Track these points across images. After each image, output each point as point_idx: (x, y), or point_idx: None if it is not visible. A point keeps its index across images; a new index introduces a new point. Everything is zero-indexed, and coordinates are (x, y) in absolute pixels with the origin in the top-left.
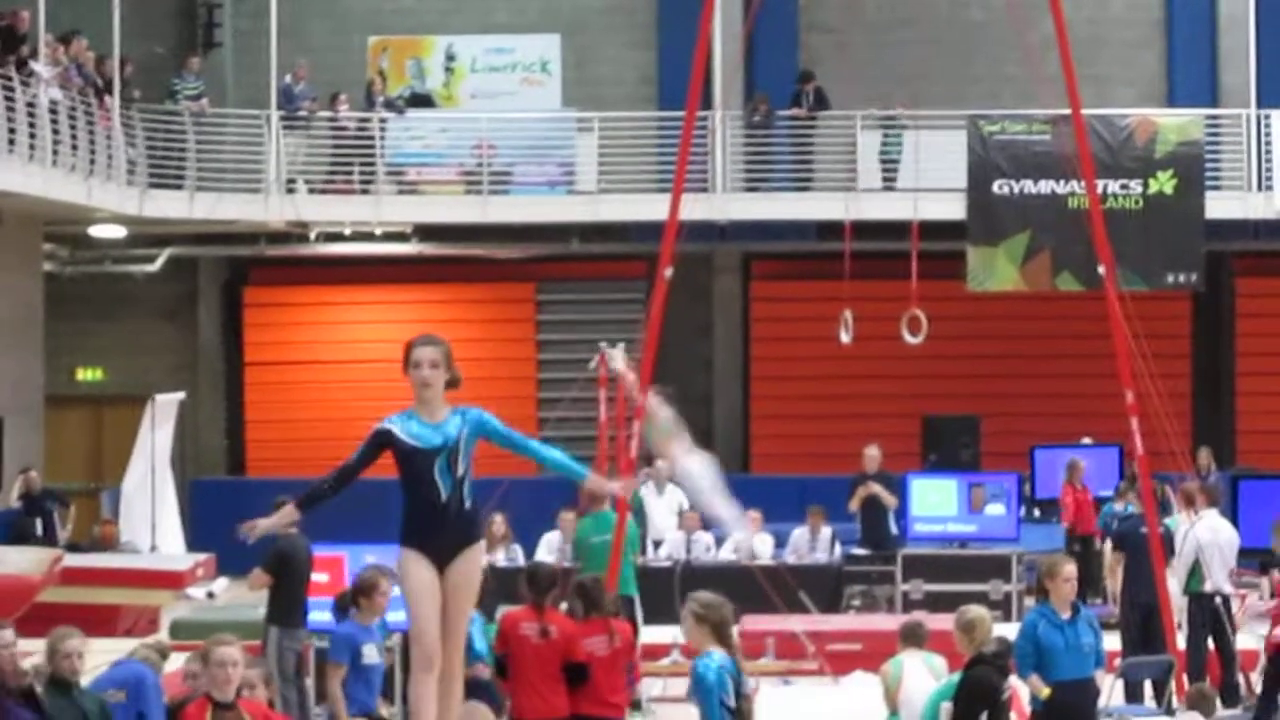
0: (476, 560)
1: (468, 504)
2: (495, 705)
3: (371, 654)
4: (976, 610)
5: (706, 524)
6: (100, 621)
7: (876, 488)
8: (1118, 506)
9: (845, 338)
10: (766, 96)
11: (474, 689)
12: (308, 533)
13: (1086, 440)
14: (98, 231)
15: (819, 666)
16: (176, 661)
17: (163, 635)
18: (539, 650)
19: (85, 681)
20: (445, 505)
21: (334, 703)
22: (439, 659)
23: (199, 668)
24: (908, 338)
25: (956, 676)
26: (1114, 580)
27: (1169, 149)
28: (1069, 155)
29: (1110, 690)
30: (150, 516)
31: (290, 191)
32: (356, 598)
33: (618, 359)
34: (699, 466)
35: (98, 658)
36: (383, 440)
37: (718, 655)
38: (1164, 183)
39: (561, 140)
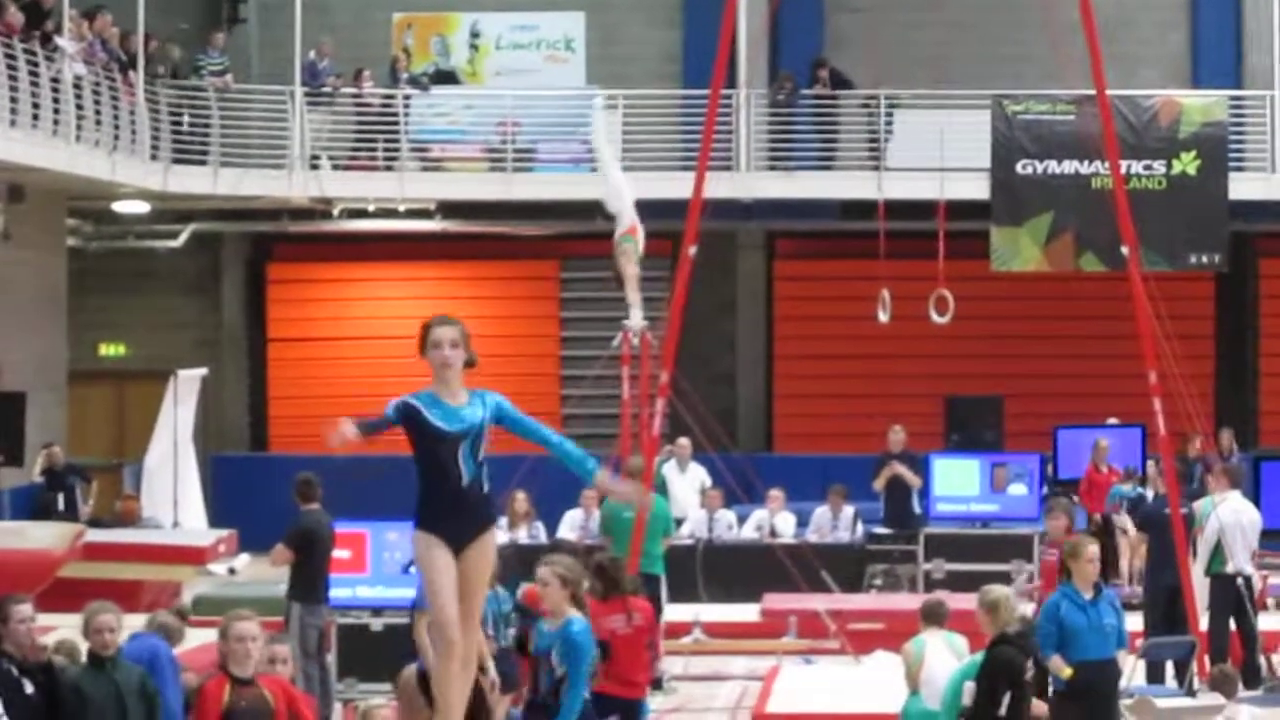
0: (492, 542)
1: (485, 487)
2: (511, 680)
3: None
4: (999, 590)
5: (728, 502)
6: (122, 597)
7: (900, 468)
8: (1125, 488)
9: (883, 317)
10: (791, 75)
11: (496, 660)
12: (330, 509)
13: (1112, 420)
14: (122, 207)
15: (841, 645)
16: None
17: (184, 599)
18: (629, 640)
19: None
20: (467, 489)
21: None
22: (461, 644)
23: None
24: (934, 317)
25: (979, 656)
26: (1136, 561)
27: (1193, 130)
28: (1093, 135)
29: (1132, 670)
30: (172, 492)
31: (314, 168)
32: None
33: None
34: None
35: (119, 634)
36: (407, 413)
37: (579, 619)
38: (1188, 163)
39: (585, 118)
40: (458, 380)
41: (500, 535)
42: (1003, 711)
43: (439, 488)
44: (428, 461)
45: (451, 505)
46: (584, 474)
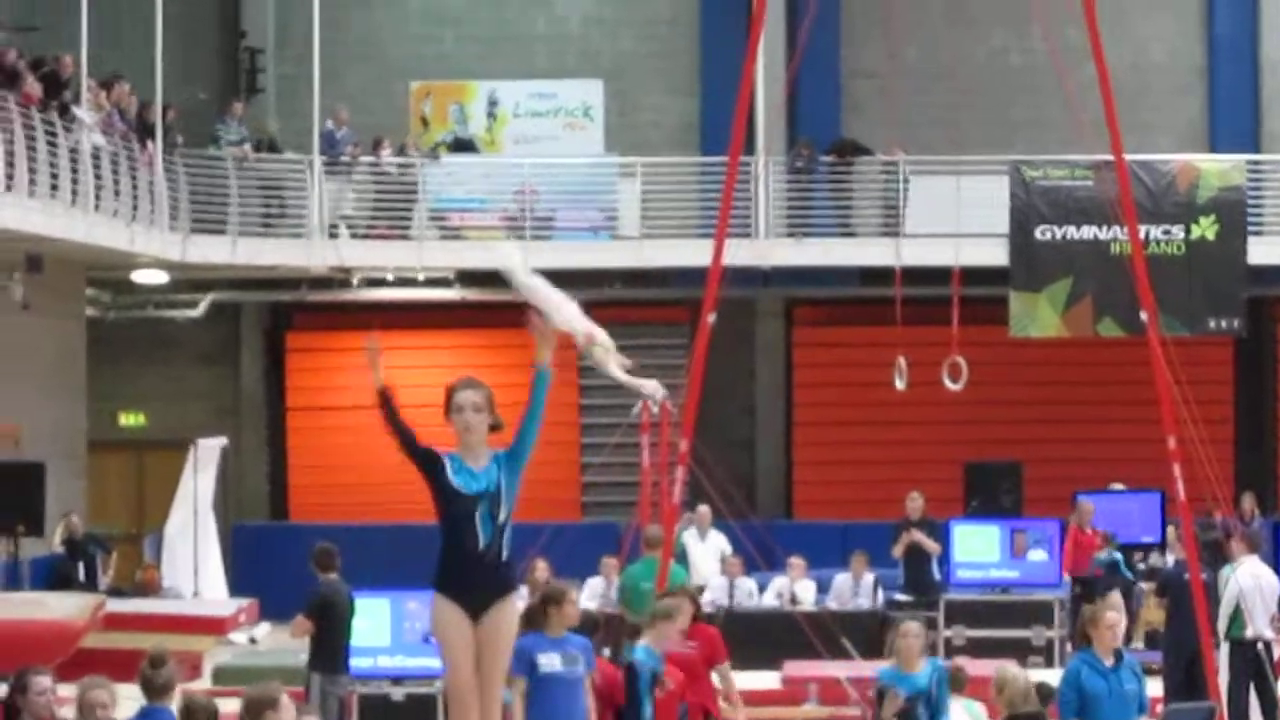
0: (512, 611)
1: (504, 554)
2: None
3: (552, 663)
4: (1010, 671)
5: (748, 569)
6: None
7: (919, 535)
8: (1101, 555)
9: (900, 384)
10: (810, 142)
11: None
12: (350, 580)
13: (1118, 486)
14: (140, 276)
15: (862, 713)
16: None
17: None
18: (692, 661)
19: None
20: (482, 554)
21: (511, 715)
22: (476, 711)
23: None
24: (948, 384)
25: None
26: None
27: (1211, 194)
28: (1111, 201)
29: None
30: (192, 561)
31: (333, 236)
32: (546, 606)
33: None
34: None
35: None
36: (432, 459)
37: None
38: (1206, 228)
39: (604, 186)
40: (481, 444)
41: (520, 604)
42: None
43: (456, 552)
44: (445, 523)
45: (468, 570)
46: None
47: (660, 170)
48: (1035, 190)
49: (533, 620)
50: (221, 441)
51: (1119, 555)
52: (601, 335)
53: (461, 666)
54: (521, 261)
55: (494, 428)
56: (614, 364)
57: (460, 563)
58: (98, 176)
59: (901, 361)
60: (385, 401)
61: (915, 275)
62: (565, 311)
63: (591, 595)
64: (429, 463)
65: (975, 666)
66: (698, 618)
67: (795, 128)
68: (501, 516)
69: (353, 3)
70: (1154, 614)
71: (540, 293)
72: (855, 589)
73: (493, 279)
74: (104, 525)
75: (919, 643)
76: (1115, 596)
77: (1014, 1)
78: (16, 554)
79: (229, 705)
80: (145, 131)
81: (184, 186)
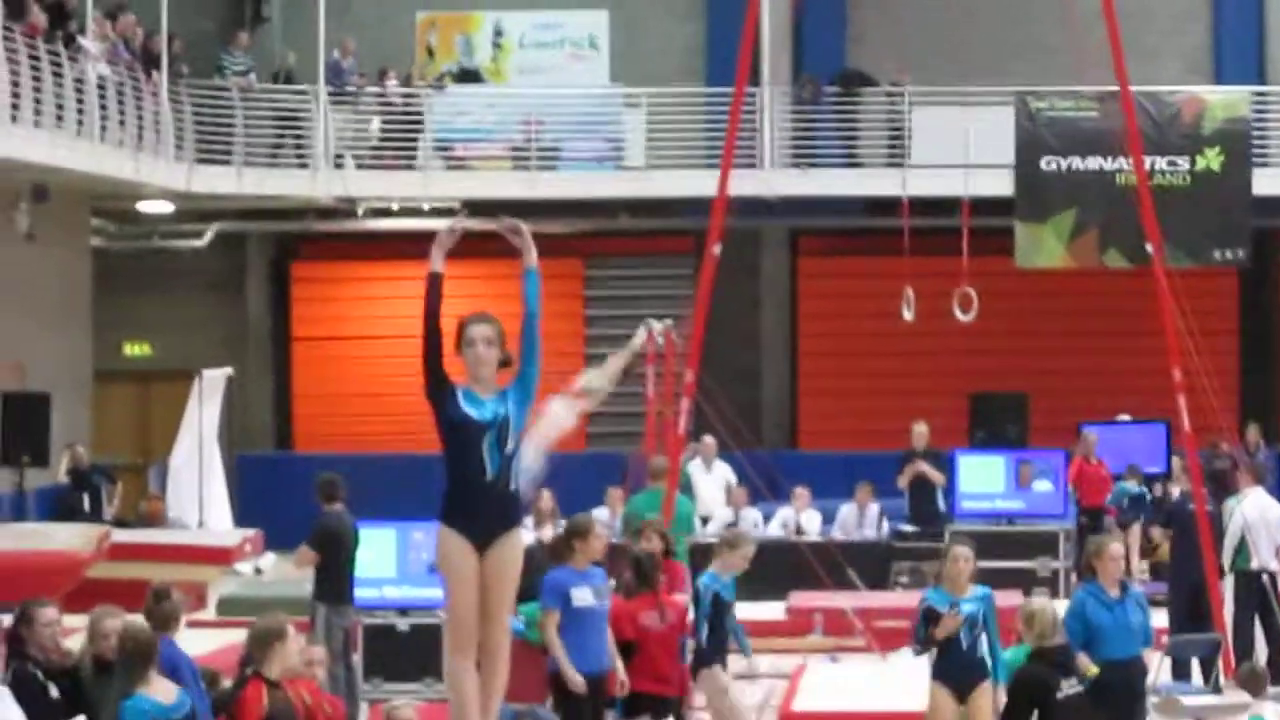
0: (518, 544)
1: (512, 485)
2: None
3: (585, 597)
4: (1038, 602)
5: (753, 500)
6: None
7: (924, 465)
8: (1129, 484)
9: (908, 315)
10: (814, 77)
11: None
12: (355, 510)
13: (1124, 417)
14: (146, 207)
15: (866, 643)
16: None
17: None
18: (659, 637)
19: None
20: (490, 484)
21: (553, 649)
22: (474, 644)
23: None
24: (959, 315)
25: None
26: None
27: (1216, 125)
28: (1117, 132)
29: (1158, 668)
30: (198, 492)
31: (338, 167)
32: (570, 540)
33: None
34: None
35: None
36: (445, 379)
37: None
38: (1211, 159)
39: (609, 116)
40: (491, 378)
41: (526, 534)
42: None
43: (462, 481)
44: (452, 452)
45: (475, 501)
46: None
47: (665, 100)
48: (1041, 121)
49: (558, 554)
50: (227, 372)
51: (1143, 489)
52: (580, 385)
53: (467, 602)
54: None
55: (504, 363)
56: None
57: (467, 493)
58: (103, 107)
59: (909, 292)
60: (434, 285)
61: (920, 206)
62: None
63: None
64: (441, 383)
65: None
66: (667, 554)
67: (800, 57)
68: (509, 447)
69: None
70: (1159, 546)
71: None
72: (860, 519)
73: (498, 208)
74: (109, 456)
75: (968, 567)
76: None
77: None
78: (22, 484)
79: (235, 635)
80: (150, 62)
81: (189, 117)
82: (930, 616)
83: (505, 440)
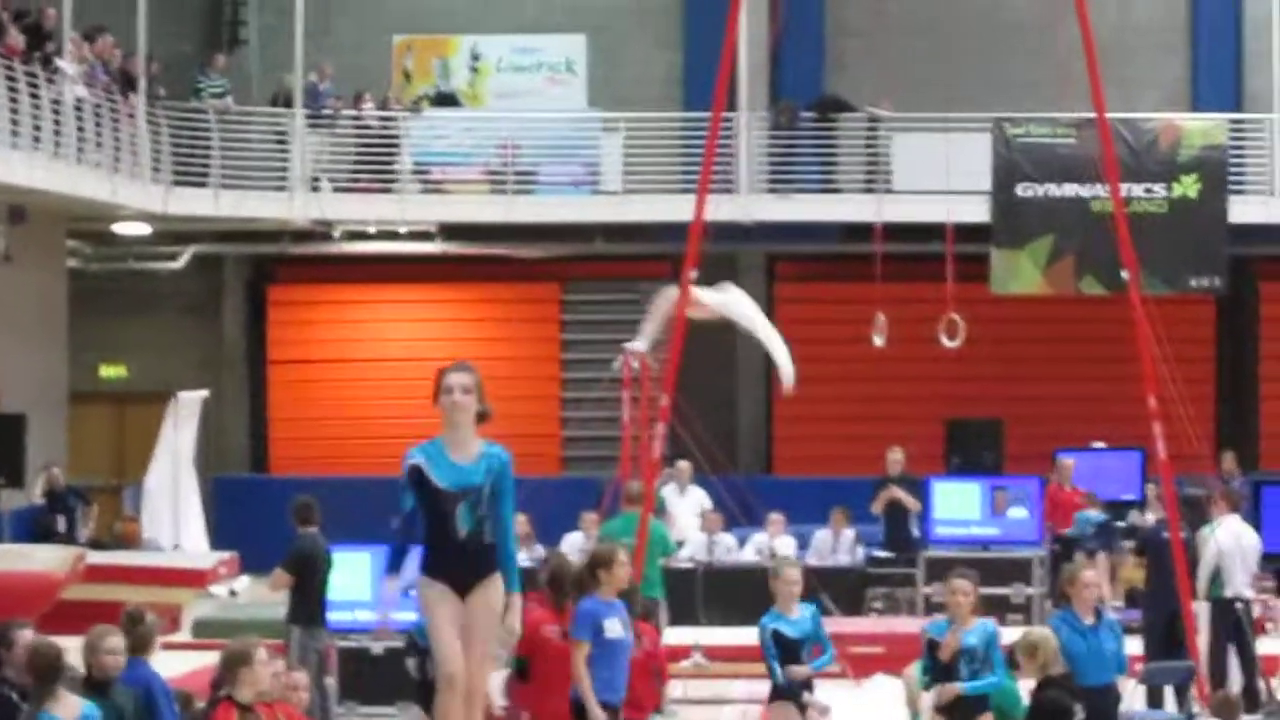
0: (496, 587)
1: (487, 539)
2: None
3: (615, 628)
4: (1040, 631)
5: (728, 525)
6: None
7: (899, 491)
8: (1091, 512)
9: (879, 341)
10: (790, 103)
11: None
12: (330, 533)
13: (1099, 444)
14: (122, 229)
15: (841, 669)
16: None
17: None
18: (562, 651)
19: None
20: (464, 543)
21: (580, 681)
22: (461, 680)
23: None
24: (945, 341)
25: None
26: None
27: (1193, 153)
28: (1094, 158)
29: (1132, 695)
30: (173, 514)
31: (315, 190)
32: (595, 570)
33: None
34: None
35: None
36: (416, 477)
37: None
38: (1188, 186)
39: (587, 140)
40: (469, 428)
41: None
42: None
43: (439, 539)
44: (429, 512)
45: (450, 557)
46: (508, 582)
47: (643, 125)
48: (1018, 147)
49: (583, 584)
50: (202, 394)
51: (1105, 515)
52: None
53: (450, 642)
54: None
55: (482, 415)
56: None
57: (443, 550)
58: (80, 128)
59: (881, 318)
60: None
61: (898, 231)
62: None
63: (571, 550)
64: (414, 485)
65: None
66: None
67: (779, 83)
68: (483, 510)
69: None
70: (1133, 573)
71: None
72: (835, 545)
73: (475, 232)
74: (84, 477)
75: (968, 600)
76: (1101, 559)
77: None
78: None
79: (209, 657)
80: (128, 83)
81: (166, 139)
82: (933, 648)
83: (479, 505)
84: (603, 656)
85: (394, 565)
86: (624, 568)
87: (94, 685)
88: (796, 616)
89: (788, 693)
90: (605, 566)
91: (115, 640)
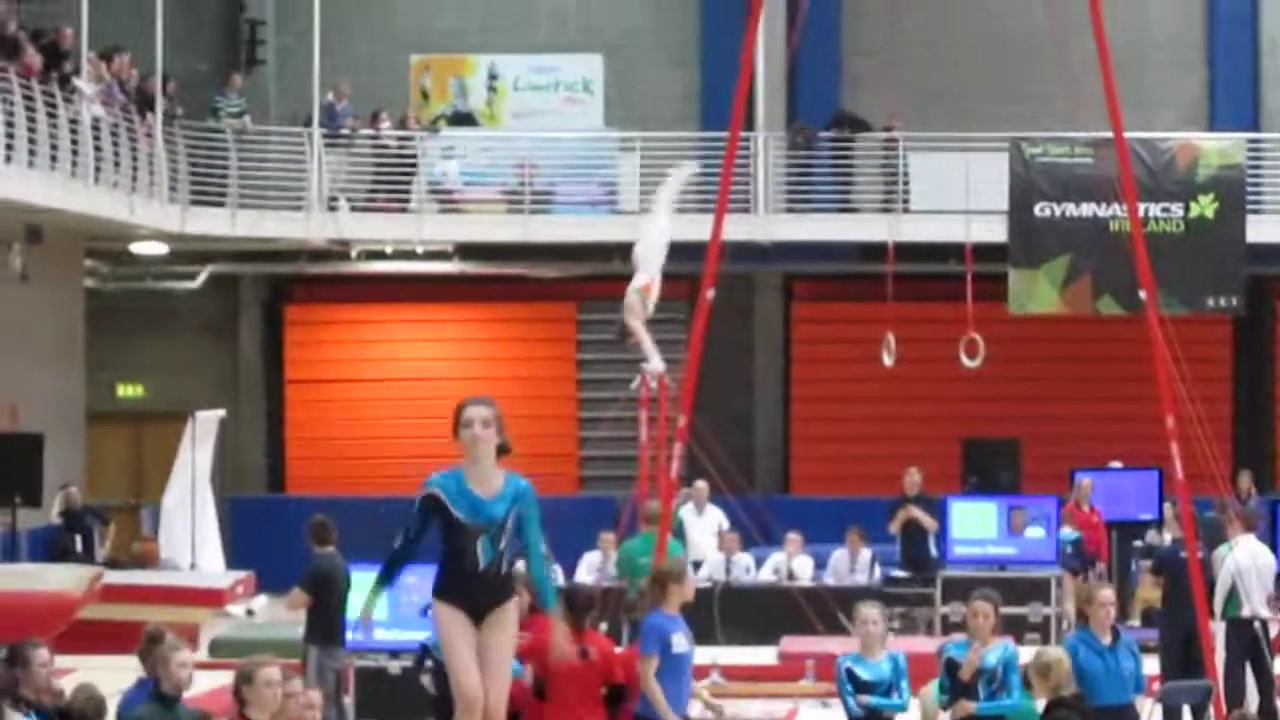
0: (511, 615)
1: (504, 570)
2: None
3: (681, 643)
4: (1054, 652)
5: (745, 544)
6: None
7: (916, 511)
8: (1067, 531)
9: (888, 360)
10: (805, 125)
11: None
12: (347, 553)
13: (1116, 464)
14: (139, 248)
15: None
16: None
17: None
18: (578, 672)
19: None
20: (483, 573)
21: (652, 694)
22: (480, 704)
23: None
24: (965, 361)
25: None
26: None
27: (1211, 172)
28: (1111, 178)
29: (1150, 715)
30: (190, 534)
31: (332, 209)
32: (666, 585)
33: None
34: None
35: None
36: (431, 505)
37: None
38: (1205, 206)
39: (603, 160)
40: (489, 461)
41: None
42: None
43: (456, 568)
44: (447, 541)
45: (467, 585)
46: (544, 601)
47: (660, 145)
48: (1035, 167)
49: (652, 599)
50: (219, 414)
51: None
52: (655, 294)
53: (467, 666)
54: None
55: (502, 449)
56: (640, 319)
57: (459, 579)
58: (97, 148)
59: (890, 338)
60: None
61: (915, 251)
62: (655, 256)
63: (589, 570)
64: (432, 512)
65: None
66: (534, 608)
67: (795, 103)
68: (504, 544)
69: None
70: (1150, 592)
71: (653, 225)
72: (852, 565)
73: (491, 252)
74: (102, 497)
75: (988, 622)
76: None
77: None
78: (14, 525)
79: (226, 677)
80: (145, 103)
81: (183, 158)
82: (951, 668)
83: (500, 538)
84: (669, 671)
85: (386, 578)
86: (691, 583)
87: (162, 698)
88: (876, 660)
89: None
90: (677, 580)
91: (186, 654)
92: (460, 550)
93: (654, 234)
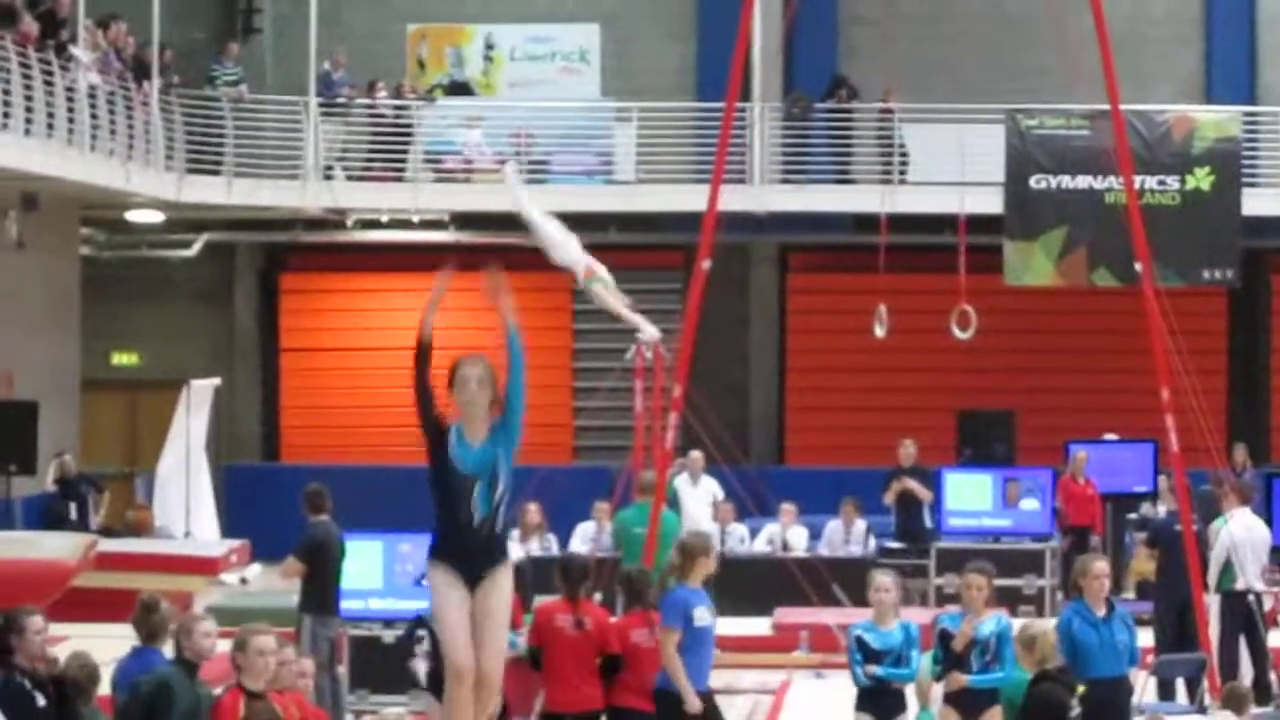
0: (505, 578)
1: (499, 526)
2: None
3: (704, 616)
4: (1040, 625)
5: (740, 515)
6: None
7: (911, 483)
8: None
9: (880, 332)
10: (802, 95)
11: None
12: (342, 522)
13: (1111, 436)
14: (135, 216)
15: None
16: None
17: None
18: (574, 642)
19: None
20: (477, 529)
21: (673, 668)
22: (470, 671)
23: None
24: (956, 333)
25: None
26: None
27: (1207, 145)
28: (1107, 150)
29: (1144, 687)
30: (185, 502)
31: (328, 178)
32: (695, 558)
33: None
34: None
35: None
36: (439, 429)
37: None
38: (1201, 179)
39: (600, 130)
40: (482, 419)
41: (513, 548)
42: None
43: (452, 526)
44: (442, 498)
45: (462, 542)
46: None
47: (656, 115)
48: (1031, 139)
49: (679, 572)
50: (215, 382)
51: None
52: (601, 270)
53: (458, 633)
54: (527, 196)
55: (494, 403)
56: (613, 299)
57: (455, 534)
58: (94, 116)
59: (882, 309)
60: (422, 354)
61: (910, 223)
62: (567, 248)
63: (583, 539)
64: (436, 432)
65: None
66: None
67: (792, 73)
68: (498, 494)
69: None
70: (1145, 565)
71: (543, 228)
72: (847, 536)
73: (487, 221)
74: (96, 465)
75: (982, 595)
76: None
77: None
78: (9, 493)
79: (221, 645)
80: (141, 71)
81: (180, 127)
82: (945, 639)
83: (495, 487)
84: (691, 645)
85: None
86: (714, 558)
87: (185, 664)
88: (888, 629)
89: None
90: (705, 553)
91: (210, 625)
92: (455, 504)
93: (552, 232)
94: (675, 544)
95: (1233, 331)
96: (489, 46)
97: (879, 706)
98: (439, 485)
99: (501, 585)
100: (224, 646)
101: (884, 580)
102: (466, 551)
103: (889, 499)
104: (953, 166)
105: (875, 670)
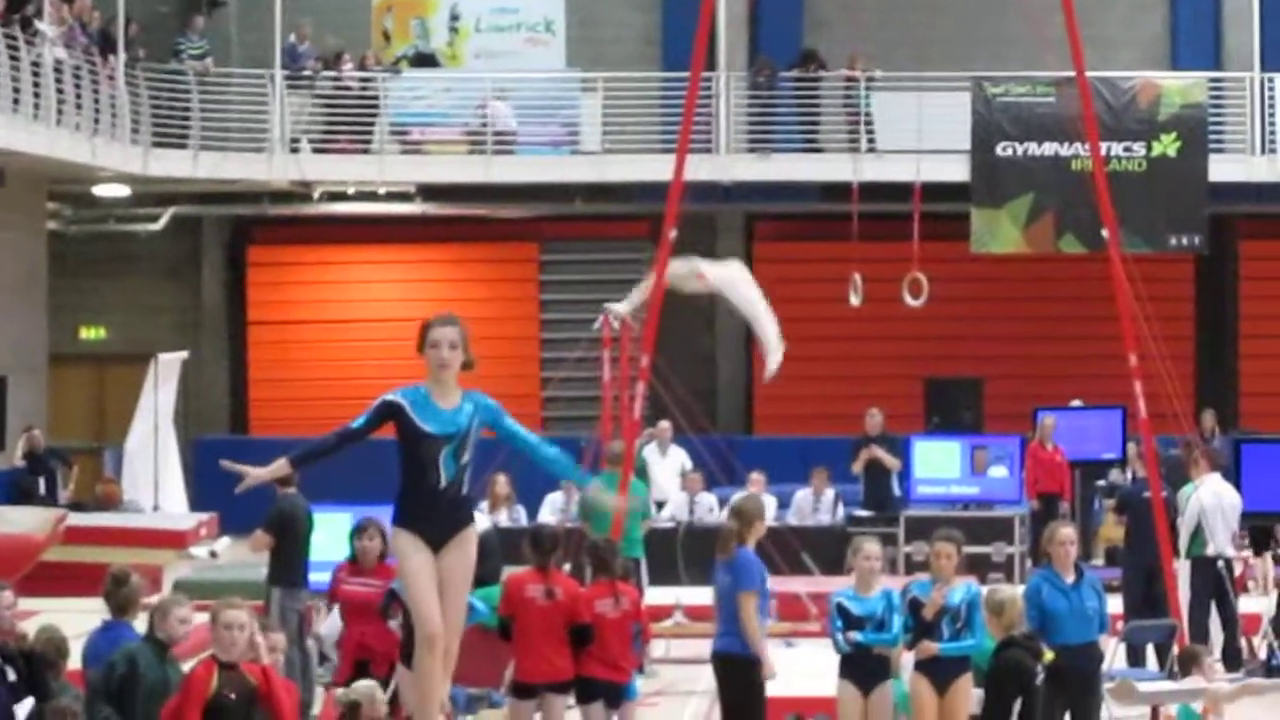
0: (470, 541)
1: (465, 490)
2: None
3: (766, 578)
4: (1007, 591)
5: (708, 484)
6: (102, 581)
7: (879, 451)
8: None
9: (855, 300)
10: (769, 61)
11: None
12: (308, 494)
13: (1078, 403)
14: (102, 190)
15: (822, 628)
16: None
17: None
18: (544, 612)
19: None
20: (443, 491)
21: (751, 633)
22: (442, 639)
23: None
24: (909, 300)
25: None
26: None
27: (1172, 111)
28: (1073, 117)
29: (1113, 653)
30: (153, 475)
31: (294, 151)
32: (752, 522)
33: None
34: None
35: (95, 618)
36: (390, 412)
37: None
38: (1167, 145)
39: (565, 100)
40: (453, 381)
41: (481, 518)
42: (1013, 719)
43: (417, 487)
44: (409, 460)
45: (428, 505)
46: (577, 480)
47: (621, 85)
48: (997, 106)
49: (738, 537)
50: (182, 355)
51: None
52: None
53: (429, 600)
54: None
55: (466, 365)
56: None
57: (421, 498)
58: (60, 90)
59: (857, 277)
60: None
61: (877, 191)
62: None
63: (551, 510)
64: (391, 416)
65: None
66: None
67: (757, 43)
68: (465, 458)
69: None
70: (1113, 531)
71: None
72: (815, 505)
73: (453, 193)
74: (64, 439)
75: (950, 563)
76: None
77: None
78: None
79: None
80: (107, 45)
81: (145, 100)
82: (915, 607)
83: (462, 451)
84: (760, 607)
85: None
86: (764, 524)
87: (155, 642)
88: (870, 596)
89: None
90: (760, 517)
91: (188, 612)
92: (422, 467)
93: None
94: (731, 508)
95: (1200, 297)
96: (454, 17)
97: (862, 673)
98: (405, 450)
99: (466, 548)
100: (201, 618)
101: (872, 548)
102: (432, 514)
103: (857, 468)
104: (920, 135)
105: (856, 636)
